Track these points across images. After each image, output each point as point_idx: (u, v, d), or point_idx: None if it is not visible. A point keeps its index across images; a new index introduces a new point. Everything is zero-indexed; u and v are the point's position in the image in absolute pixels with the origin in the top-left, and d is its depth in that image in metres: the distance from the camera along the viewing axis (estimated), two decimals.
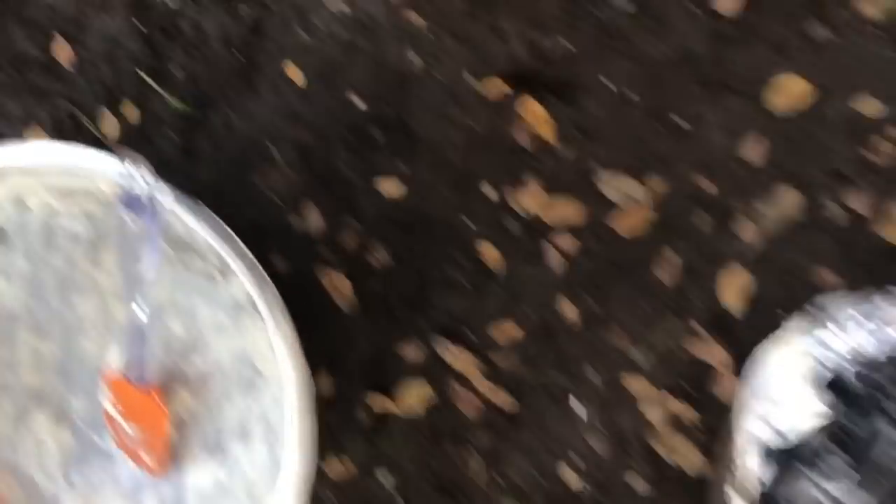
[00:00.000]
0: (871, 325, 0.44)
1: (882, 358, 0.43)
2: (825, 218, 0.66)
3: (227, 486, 0.61)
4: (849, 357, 0.44)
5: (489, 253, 0.72)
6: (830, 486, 0.42)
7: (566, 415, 0.70)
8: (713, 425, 0.68)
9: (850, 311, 0.45)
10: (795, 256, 0.66)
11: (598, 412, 0.70)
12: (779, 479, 0.44)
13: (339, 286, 0.73)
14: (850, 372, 0.43)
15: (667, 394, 0.68)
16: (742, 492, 0.45)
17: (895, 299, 0.46)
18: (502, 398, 0.71)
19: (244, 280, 0.55)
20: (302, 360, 0.56)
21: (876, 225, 0.65)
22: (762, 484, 0.44)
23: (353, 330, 0.73)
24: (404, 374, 0.72)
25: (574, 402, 0.70)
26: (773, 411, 0.45)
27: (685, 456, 0.68)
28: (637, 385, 0.69)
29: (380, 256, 0.73)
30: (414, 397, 0.72)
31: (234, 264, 0.55)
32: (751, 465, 0.45)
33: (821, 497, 0.42)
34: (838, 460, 0.42)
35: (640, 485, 0.69)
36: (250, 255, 0.57)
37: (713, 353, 0.68)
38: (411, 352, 0.72)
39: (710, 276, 0.68)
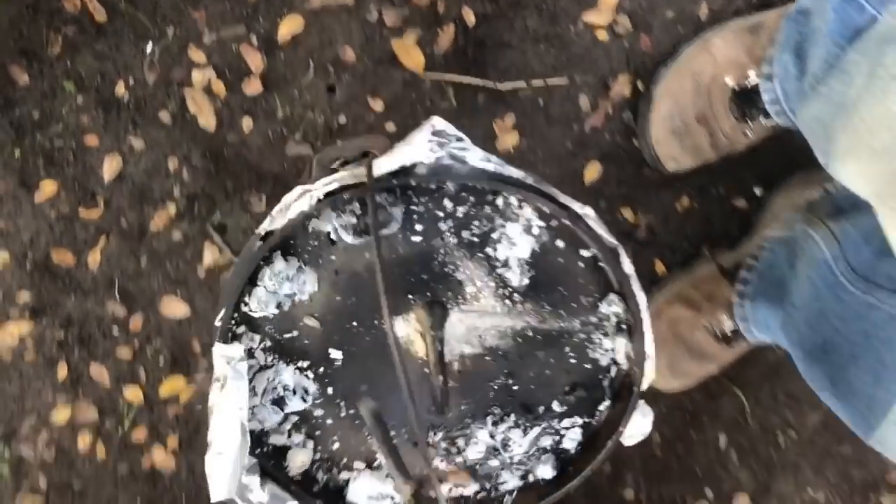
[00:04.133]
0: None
1: (429, 170, 0.52)
2: (365, 12, 0.97)
3: None
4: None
5: None
6: (339, 225, 0.54)
7: (139, 48, 0.95)
8: (237, 104, 0.97)
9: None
10: (332, 29, 0.96)
11: (161, 59, 0.96)
12: (314, 209, 0.52)
13: None
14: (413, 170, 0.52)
15: (213, 70, 0.96)
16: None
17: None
18: (99, 11, 0.94)
19: None
20: None
21: (391, 36, 0.97)
22: (310, 207, 0.53)
23: None
24: None
25: (148, 44, 0.95)
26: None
27: (205, 115, 0.97)
28: (196, 56, 0.96)
29: None
30: None
31: None
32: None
33: (331, 230, 0.55)
34: (350, 214, 0.55)
35: (166, 117, 0.97)
36: None
37: (255, 61, 0.97)
38: None
39: (277, 11, 0.96)
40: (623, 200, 1.03)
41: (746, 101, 0.95)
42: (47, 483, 1.03)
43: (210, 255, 0.99)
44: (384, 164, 0.50)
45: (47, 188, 0.98)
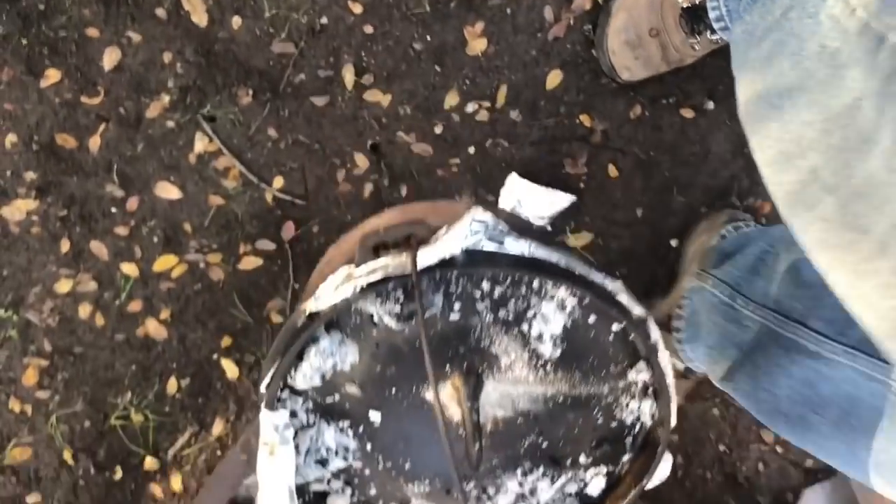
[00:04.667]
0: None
1: (468, 257, 0.54)
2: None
3: None
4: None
5: None
6: (382, 311, 0.57)
7: None
8: (227, 2, 1.05)
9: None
10: None
11: None
12: (358, 295, 0.55)
13: None
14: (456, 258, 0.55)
15: None
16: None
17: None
18: None
19: None
20: None
21: None
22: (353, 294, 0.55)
23: None
24: None
25: None
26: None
27: (197, 13, 1.06)
28: None
29: None
30: None
31: None
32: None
33: (374, 313, 0.57)
34: (394, 301, 0.57)
35: (161, 13, 1.05)
36: None
37: None
38: None
39: None
40: (581, 107, 1.12)
41: (695, 17, 1.03)
42: (52, 347, 1.14)
43: (200, 144, 1.09)
44: (427, 257, 0.53)
45: (52, 76, 1.06)
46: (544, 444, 0.62)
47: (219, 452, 1.18)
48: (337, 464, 0.61)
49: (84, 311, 1.13)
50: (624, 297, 0.57)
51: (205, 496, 1.15)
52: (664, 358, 0.59)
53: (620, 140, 1.14)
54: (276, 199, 1.11)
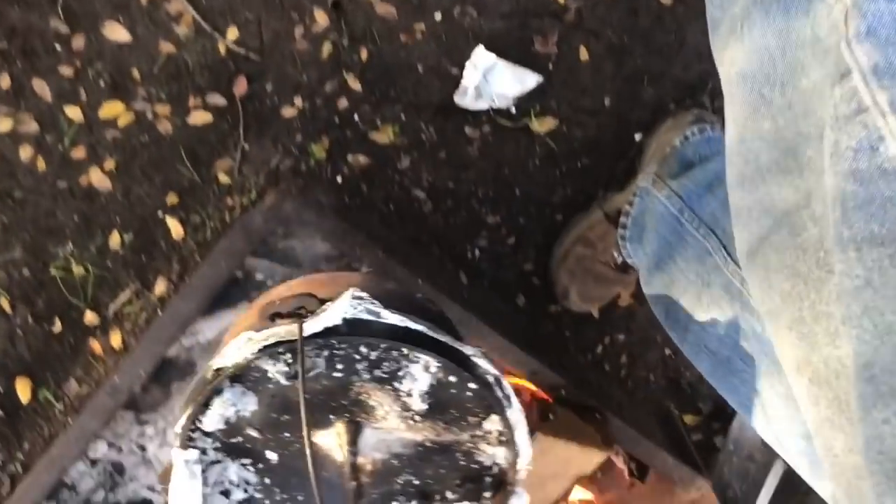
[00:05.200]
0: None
1: (349, 324, 0.65)
2: None
3: None
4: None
5: None
6: (274, 370, 0.66)
7: None
8: None
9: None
10: None
11: None
12: (255, 356, 0.65)
13: None
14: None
15: None
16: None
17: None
18: None
19: None
20: None
21: None
22: (252, 354, 0.65)
23: None
24: None
25: None
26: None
27: None
28: None
29: None
30: None
31: None
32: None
33: (268, 369, 0.67)
34: (284, 363, 0.66)
35: None
36: None
37: None
38: None
39: None
40: None
41: None
42: None
43: None
44: (313, 325, 0.65)
45: None
46: (416, 482, 0.73)
47: (160, 312, 1.16)
48: (239, 495, 0.71)
49: (25, 153, 1.09)
50: (479, 361, 0.69)
51: (138, 351, 1.14)
52: (515, 410, 0.70)
53: (594, 21, 1.09)
54: (230, 52, 1.06)
